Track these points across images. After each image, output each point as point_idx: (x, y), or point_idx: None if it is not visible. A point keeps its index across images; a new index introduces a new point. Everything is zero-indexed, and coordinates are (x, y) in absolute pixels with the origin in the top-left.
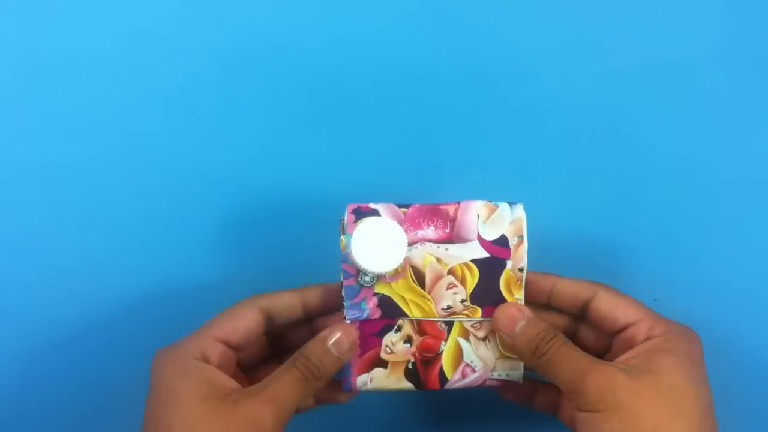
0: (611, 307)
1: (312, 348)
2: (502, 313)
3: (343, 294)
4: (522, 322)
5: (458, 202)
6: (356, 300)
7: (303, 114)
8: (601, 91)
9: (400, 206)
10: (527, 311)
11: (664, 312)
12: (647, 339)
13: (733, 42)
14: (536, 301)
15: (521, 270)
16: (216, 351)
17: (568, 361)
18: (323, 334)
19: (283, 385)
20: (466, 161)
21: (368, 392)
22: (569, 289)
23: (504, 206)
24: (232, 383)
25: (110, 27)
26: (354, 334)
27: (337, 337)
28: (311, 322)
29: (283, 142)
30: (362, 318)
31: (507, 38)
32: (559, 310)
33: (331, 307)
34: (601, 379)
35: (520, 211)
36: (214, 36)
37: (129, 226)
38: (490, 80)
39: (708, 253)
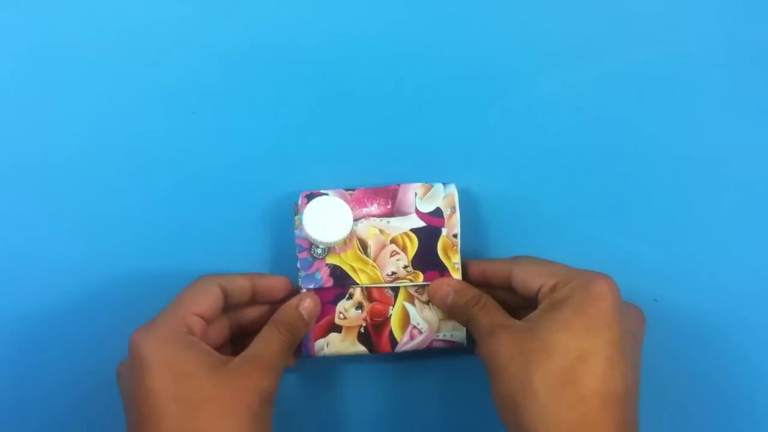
0: (526, 275)
1: (288, 313)
2: (432, 288)
3: (298, 266)
4: (451, 295)
5: (398, 185)
6: (310, 271)
7: (304, 114)
8: (601, 91)
9: (347, 190)
10: (454, 283)
11: (664, 312)
12: (550, 294)
13: (733, 42)
14: (478, 285)
15: (455, 236)
16: (197, 325)
17: (481, 327)
18: (294, 300)
19: (275, 352)
20: (466, 161)
21: (326, 357)
22: (494, 270)
23: (438, 186)
24: (221, 355)
25: (110, 26)
26: (318, 299)
27: (306, 302)
28: (271, 308)
29: (284, 142)
30: (316, 287)
31: (507, 38)
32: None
33: (276, 294)
34: (491, 344)
35: (452, 188)
36: (214, 35)
37: (129, 224)
38: (490, 80)
39: (708, 253)
